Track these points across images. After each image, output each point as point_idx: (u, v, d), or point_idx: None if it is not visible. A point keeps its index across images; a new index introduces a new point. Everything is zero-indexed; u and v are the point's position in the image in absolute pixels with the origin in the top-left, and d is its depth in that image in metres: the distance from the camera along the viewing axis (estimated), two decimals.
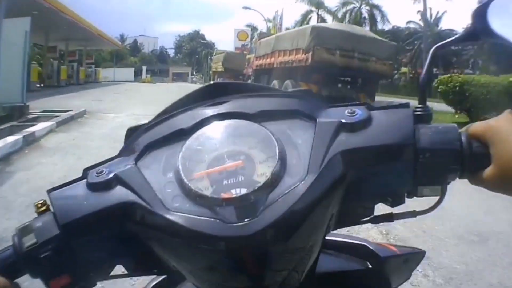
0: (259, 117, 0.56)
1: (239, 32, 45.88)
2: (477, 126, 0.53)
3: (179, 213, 0.48)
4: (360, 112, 0.54)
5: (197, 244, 0.48)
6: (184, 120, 0.58)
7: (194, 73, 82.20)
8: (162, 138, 0.57)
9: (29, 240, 0.51)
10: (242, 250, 0.47)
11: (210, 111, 0.58)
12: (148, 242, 0.52)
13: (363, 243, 0.75)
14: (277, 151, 0.51)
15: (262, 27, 47.17)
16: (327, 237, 0.59)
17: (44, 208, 0.55)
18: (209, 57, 72.03)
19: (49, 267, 0.51)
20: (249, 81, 19.89)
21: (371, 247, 0.74)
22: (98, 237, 0.53)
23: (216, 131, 0.55)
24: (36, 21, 13.64)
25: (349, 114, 0.54)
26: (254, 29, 51.50)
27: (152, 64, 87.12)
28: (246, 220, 0.46)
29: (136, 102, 16.45)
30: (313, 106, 0.57)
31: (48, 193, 0.55)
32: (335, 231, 0.61)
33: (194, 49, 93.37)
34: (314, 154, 0.50)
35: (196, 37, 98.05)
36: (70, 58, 43.00)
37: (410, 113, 0.55)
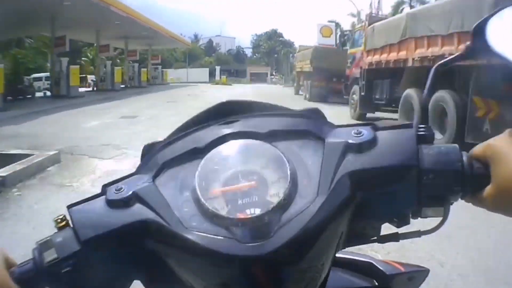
0: (270, 136, 0.57)
1: (322, 28, 38.95)
2: (478, 146, 0.53)
3: (197, 232, 0.49)
4: (366, 133, 0.55)
5: (213, 263, 0.49)
6: (198, 138, 0.59)
7: (274, 73, 76.84)
8: (178, 157, 0.58)
9: (50, 255, 0.52)
10: (256, 269, 0.48)
11: (222, 130, 0.59)
12: (165, 258, 0.53)
13: (369, 260, 0.76)
14: (288, 172, 0.52)
15: (345, 22, 40.12)
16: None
17: (63, 223, 0.55)
18: (290, 55, 66.13)
19: (69, 282, 0.51)
20: (355, 86, 13.50)
21: (377, 265, 0.75)
22: (117, 253, 0.54)
23: (229, 150, 0.56)
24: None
25: (355, 135, 0.55)
26: (337, 25, 44.93)
27: (228, 64, 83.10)
28: (260, 240, 0.47)
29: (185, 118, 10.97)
30: (322, 126, 0.58)
31: (67, 209, 0.56)
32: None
33: (273, 48, 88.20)
34: (323, 175, 0.52)
35: (274, 35, 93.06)
36: (131, 58, 39.16)
37: (413, 134, 0.55)
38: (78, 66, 25.01)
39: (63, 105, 15.70)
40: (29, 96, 22.39)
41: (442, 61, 0.62)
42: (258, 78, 72.73)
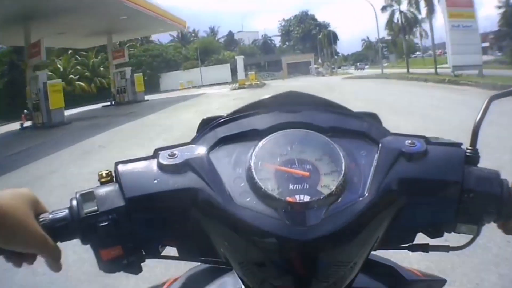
0: (330, 132, 0.59)
1: None
2: None
3: (245, 209, 0.50)
4: (419, 145, 0.57)
5: (256, 240, 0.50)
6: (259, 121, 0.60)
7: (319, 60, 60.18)
8: (236, 134, 0.59)
9: (90, 207, 0.52)
10: (295, 253, 0.49)
11: (284, 118, 0.60)
12: (206, 230, 0.54)
13: (390, 264, 0.77)
14: (343, 167, 0.53)
15: None
16: None
17: (108, 178, 0.56)
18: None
19: (104, 236, 0.51)
20: None
21: (397, 269, 0.76)
22: (159, 216, 0.54)
23: (288, 137, 0.57)
24: None
25: (409, 145, 0.57)
26: None
27: (255, 57, 67.80)
28: (304, 226, 0.49)
29: None
30: (378, 130, 0.61)
31: (115, 165, 0.56)
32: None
33: (307, 32, 72.03)
34: (374, 176, 0.53)
35: (305, 18, 76.90)
36: (117, 61, 25.74)
37: (462, 153, 0.58)
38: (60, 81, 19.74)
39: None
40: None
41: (498, 92, 0.63)
42: (296, 69, 57.76)
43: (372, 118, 0.65)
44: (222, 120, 0.61)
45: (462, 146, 0.60)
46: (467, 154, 0.59)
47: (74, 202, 0.53)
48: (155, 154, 0.57)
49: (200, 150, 0.57)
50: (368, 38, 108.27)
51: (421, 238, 0.62)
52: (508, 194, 0.55)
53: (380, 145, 0.57)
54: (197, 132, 0.62)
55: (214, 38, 76.91)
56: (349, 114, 0.63)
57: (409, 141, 0.58)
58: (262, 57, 68.09)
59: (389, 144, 0.57)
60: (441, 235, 0.60)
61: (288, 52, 71.91)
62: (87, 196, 0.53)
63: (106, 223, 0.51)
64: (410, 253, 0.63)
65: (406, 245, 0.62)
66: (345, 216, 0.49)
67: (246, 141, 0.57)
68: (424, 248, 0.63)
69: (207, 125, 0.62)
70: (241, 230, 0.50)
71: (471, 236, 0.59)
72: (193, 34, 78.29)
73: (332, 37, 66.39)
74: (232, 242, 0.52)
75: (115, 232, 0.51)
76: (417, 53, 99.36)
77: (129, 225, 0.52)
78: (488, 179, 0.56)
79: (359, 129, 0.60)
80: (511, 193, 0.55)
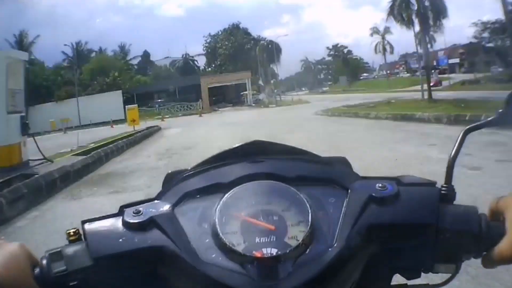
0: (295, 181, 0.58)
1: None
2: (494, 200, 0.56)
3: (212, 265, 0.50)
4: (390, 188, 0.57)
5: None
6: (222, 174, 0.60)
7: (260, 81, 43.85)
8: (201, 189, 0.59)
9: (59, 267, 0.51)
10: None
11: (248, 169, 0.60)
12: (174, 286, 0.54)
13: None
14: (309, 218, 0.53)
15: None
16: None
17: (76, 237, 0.56)
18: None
19: None
20: None
21: None
22: (127, 274, 0.54)
23: (252, 189, 0.57)
24: None
25: (379, 188, 0.56)
26: None
27: (170, 80, 51.53)
28: (273, 281, 0.48)
29: None
30: (346, 175, 0.60)
31: (82, 224, 0.56)
32: None
33: (240, 47, 57.27)
34: (343, 224, 0.53)
35: (236, 32, 62.26)
36: None
37: (436, 193, 0.57)
38: None
39: None
40: None
41: (473, 124, 0.62)
42: (224, 96, 41.76)
43: (341, 163, 0.64)
44: (186, 174, 0.62)
45: (437, 185, 0.59)
46: (442, 192, 0.58)
47: (44, 261, 0.52)
48: (121, 212, 0.57)
49: (165, 206, 0.57)
50: (307, 58, 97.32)
51: (399, 277, 0.60)
52: (487, 229, 0.53)
53: (349, 190, 0.57)
54: (162, 187, 0.62)
55: (122, 58, 60.33)
56: (316, 161, 0.63)
57: (380, 185, 0.57)
58: (173, 81, 50.84)
59: (358, 189, 0.57)
60: (418, 276, 0.59)
61: (213, 74, 54.87)
62: (55, 255, 0.52)
63: (75, 282, 0.51)
64: None
65: (384, 287, 0.60)
66: (314, 268, 0.49)
67: (211, 195, 0.57)
68: None
69: (172, 179, 0.62)
70: (207, 287, 0.49)
71: None
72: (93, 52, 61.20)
73: (275, 50, 51.87)
74: None
75: None
76: (364, 74, 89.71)
77: (98, 284, 0.52)
78: (465, 217, 0.54)
79: (327, 175, 0.60)
80: (489, 226, 0.54)
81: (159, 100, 44.43)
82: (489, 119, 0.62)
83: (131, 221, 0.54)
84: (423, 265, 0.57)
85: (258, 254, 0.49)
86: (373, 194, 0.55)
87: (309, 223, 0.52)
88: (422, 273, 0.58)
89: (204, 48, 68.53)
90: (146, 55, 70.31)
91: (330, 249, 0.50)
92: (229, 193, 0.56)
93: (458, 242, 0.53)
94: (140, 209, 0.56)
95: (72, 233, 0.56)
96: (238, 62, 55.23)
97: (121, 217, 0.55)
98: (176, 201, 0.57)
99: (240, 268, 0.49)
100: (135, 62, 67.48)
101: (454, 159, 0.60)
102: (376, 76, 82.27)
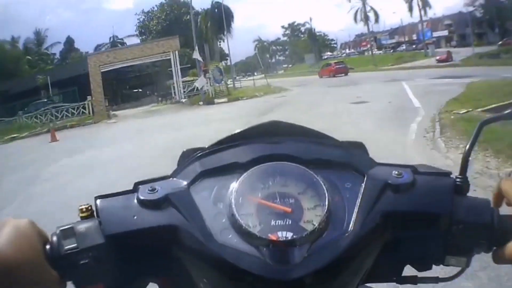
0: (312, 164, 0.58)
1: None
2: (498, 183, 0.55)
3: (226, 247, 0.49)
4: (406, 175, 0.57)
5: (237, 279, 0.49)
6: (240, 154, 0.60)
7: (199, 58, 27.62)
8: (217, 168, 0.58)
9: (69, 244, 0.50)
10: None
11: (265, 150, 0.60)
12: (188, 267, 0.54)
13: None
14: (326, 202, 0.52)
15: None
16: None
17: (88, 213, 0.55)
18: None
19: (84, 273, 0.50)
20: None
21: None
22: (139, 253, 0.53)
23: (270, 171, 0.56)
24: None
25: (396, 176, 0.56)
26: None
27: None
28: (288, 265, 0.48)
29: None
30: (363, 161, 0.60)
31: (95, 200, 0.55)
32: None
33: (176, 19, 45.36)
34: (359, 210, 0.53)
35: (175, 6, 50.28)
36: None
37: (451, 183, 0.57)
38: None
39: None
40: None
41: (489, 117, 0.61)
42: (138, 87, 29.93)
43: (358, 147, 0.64)
44: (202, 152, 0.61)
45: (451, 175, 0.59)
46: (457, 183, 0.57)
47: (55, 238, 0.51)
48: (135, 188, 0.56)
49: (181, 184, 0.56)
50: (260, 38, 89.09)
51: (410, 269, 0.60)
52: (499, 223, 0.53)
53: (365, 176, 0.57)
54: (177, 164, 0.62)
55: (36, 46, 47.51)
56: (334, 145, 0.63)
57: (396, 172, 0.57)
58: (63, 71, 36.63)
59: (375, 176, 0.57)
60: (430, 268, 0.58)
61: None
62: (66, 232, 0.51)
63: (86, 260, 0.49)
64: (400, 286, 0.61)
65: (395, 278, 0.60)
66: (329, 253, 0.49)
67: (227, 175, 0.57)
68: (413, 280, 0.61)
69: (188, 157, 0.61)
70: (221, 269, 0.49)
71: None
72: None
73: (224, 13, 39.23)
74: (214, 280, 0.52)
75: (96, 269, 0.50)
76: (328, 53, 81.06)
77: (110, 262, 0.51)
78: (478, 209, 0.54)
79: (344, 160, 0.59)
80: (501, 222, 0.53)
81: (38, 101, 30.77)
82: (505, 112, 0.60)
83: (146, 198, 0.53)
84: (434, 256, 0.56)
85: (273, 237, 0.49)
86: (389, 182, 0.55)
87: (326, 208, 0.51)
88: (432, 268, 0.58)
89: (137, 28, 55.91)
90: (69, 41, 57.32)
91: (345, 235, 0.50)
92: (245, 173, 0.55)
93: (470, 234, 0.53)
94: (156, 186, 0.55)
95: (84, 209, 0.55)
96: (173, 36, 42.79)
97: (136, 194, 0.55)
98: (192, 180, 0.56)
99: (255, 250, 0.48)
100: (57, 50, 55.65)
101: (470, 151, 0.60)
102: (341, 55, 73.36)
